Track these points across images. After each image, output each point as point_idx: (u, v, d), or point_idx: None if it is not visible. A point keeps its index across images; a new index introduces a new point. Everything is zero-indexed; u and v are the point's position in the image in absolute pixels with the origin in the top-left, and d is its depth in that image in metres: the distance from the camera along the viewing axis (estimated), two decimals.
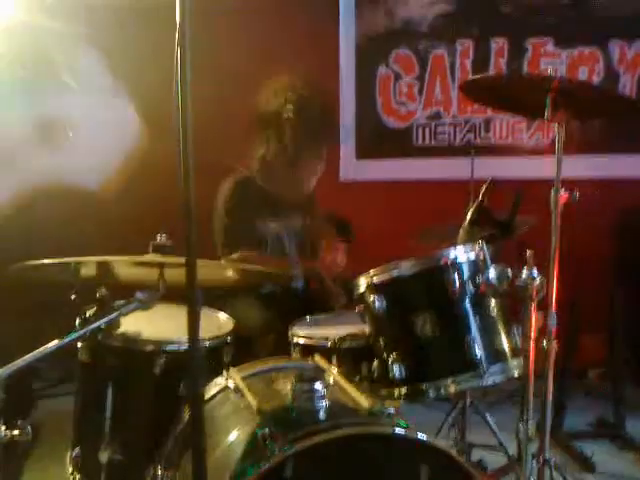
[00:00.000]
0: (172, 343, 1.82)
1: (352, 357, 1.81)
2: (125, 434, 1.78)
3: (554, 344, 1.72)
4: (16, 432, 1.32)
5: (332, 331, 1.93)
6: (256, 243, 2.51)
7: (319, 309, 2.25)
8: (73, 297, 1.76)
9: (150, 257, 1.74)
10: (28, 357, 1.42)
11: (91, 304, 1.72)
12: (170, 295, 1.65)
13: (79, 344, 1.84)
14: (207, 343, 1.85)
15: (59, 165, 0.62)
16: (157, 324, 1.91)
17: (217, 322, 2.06)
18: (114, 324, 1.62)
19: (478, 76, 2.92)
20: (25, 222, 1.55)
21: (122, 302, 1.62)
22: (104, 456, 1.77)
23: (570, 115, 1.78)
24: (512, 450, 2.14)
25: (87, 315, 1.72)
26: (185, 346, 1.25)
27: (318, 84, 2.64)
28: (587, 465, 2.57)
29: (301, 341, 1.96)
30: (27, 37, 2.94)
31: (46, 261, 1.68)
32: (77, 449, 1.89)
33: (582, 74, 3.54)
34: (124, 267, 1.86)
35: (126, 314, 1.61)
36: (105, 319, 1.59)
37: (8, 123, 0.61)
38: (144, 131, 0.73)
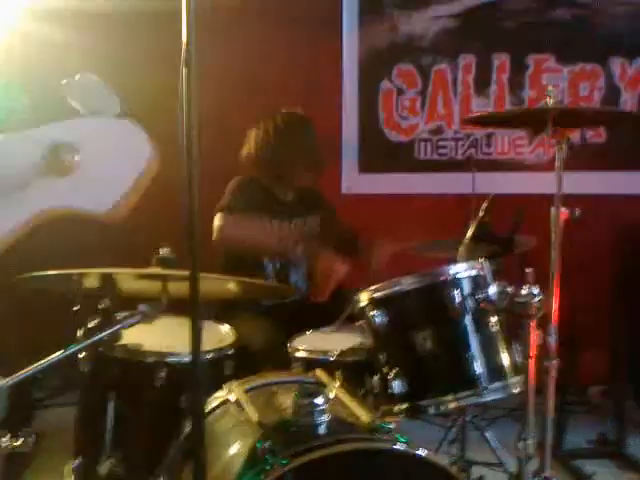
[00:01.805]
0: (174, 355, 1.82)
1: (353, 371, 1.81)
2: (126, 446, 1.78)
3: (554, 361, 1.72)
4: (19, 442, 1.33)
5: (333, 345, 1.94)
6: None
7: (320, 323, 2.25)
8: (75, 309, 1.77)
9: (153, 270, 1.75)
10: (31, 368, 1.43)
11: (93, 316, 1.73)
12: (173, 308, 1.65)
13: (80, 355, 1.85)
14: (209, 355, 1.86)
15: (66, 190, 0.62)
16: (159, 336, 1.92)
17: (218, 334, 2.07)
18: (116, 336, 1.62)
19: (478, 114, 2.97)
20: (31, 246, 1.56)
21: (125, 314, 1.63)
22: (104, 468, 1.77)
23: (570, 131, 1.80)
24: (512, 468, 2.14)
25: (89, 326, 1.73)
26: (187, 358, 1.26)
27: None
28: None
29: (302, 355, 1.96)
30: (31, 59, 2.97)
31: (50, 272, 1.69)
32: (77, 460, 1.89)
33: (583, 90, 3.56)
34: (127, 280, 1.87)
35: (129, 327, 1.62)
36: (107, 331, 1.59)
37: (15, 149, 0.61)
38: (154, 152, 0.74)
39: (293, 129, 2.60)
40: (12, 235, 0.57)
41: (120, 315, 1.63)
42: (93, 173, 0.58)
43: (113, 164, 0.59)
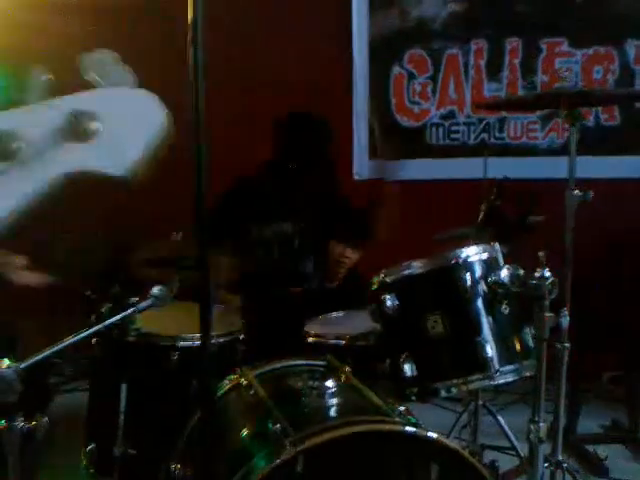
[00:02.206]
0: (186, 339, 1.83)
1: (365, 356, 1.82)
2: (139, 429, 1.80)
3: (567, 345, 1.71)
4: (33, 423, 1.35)
5: (345, 330, 1.94)
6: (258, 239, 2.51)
7: (333, 308, 2.25)
8: (88, 293, 1.79)
9: (165, 254, 1.76)
10: (45, 352, 1.45)
11: (106, 301, 1.75)
12: (184, 293, 1.66)
13: (94, 340, 1.87)
14: (220, 339, 1.87)
15: (86, 154, 0.64)
16: (171, 321, 1.93)
17: (230, 319, 2.08)
18: (129, 320, 1.64)
19: (491, 101, 2.93)
20: (53, 211, 1.56)
21: (137, 299, 1.64)
22: (118, 451, 1.79)
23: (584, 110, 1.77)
24: (525, 452, 2.13)
25: (102, 311, 1.75)
26: (198, 342, 1.27)
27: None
28: (600, 469, 2.54)
29: (314, 339, 1.96)
30: (42, 39, 2.98)
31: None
32: (92, 444, 1.91)
33: (597, 74, 3.51)
34: (140, 264, 1.88)
35: (141, 311, 1.63)
36: (120, 315, 1.61)
37: (39, 117, 0.63)
38: (168, 119, 0.74)
39: (304, 132, 2.54)
40: (34, 198, 0.61)
41: (132, 299, 1.65)
42: (111, 138, 0.62)
43: (130, 130, 0.63)
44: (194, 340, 1.81)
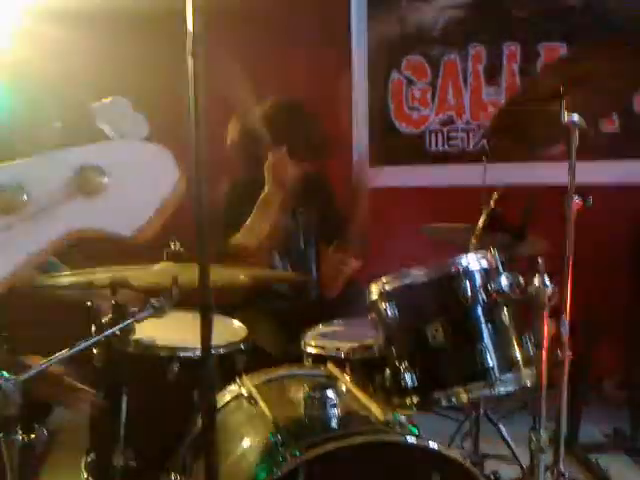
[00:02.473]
0: (186, 350, 1.83)
1: (365, 365, 1.81)
2: (139, 440, 1.80)
3: (567, 353, 1.70)
4: (32, 436, 1.34)
5: (345, 341, 1.93)
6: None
7: (332, 317, 2.25)
8: (89, 303, 1.79)
9: (164, 266, 1.76)
10: (44, 363, 1.44)
11: (106, 311, 1.74)
12: (185, 302, 1.66)
13: (94, 350, 1.86)
14: (220, 350, 1.86)
15: (94, 212, 0.62)
16: (171, 331, 1.93)
17: (230, 329, 2.07)
18: (129, 331, 1.63)
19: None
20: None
21: (136, 309, 1.64)
22: (118, 461, 1.78)
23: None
24: (526, 462, 2.12)
25: (102, 322, 1.74)
26: (199, 353, 1.26)
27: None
28: (602, 478, 2.53)
29: (313, 350, 1.96)
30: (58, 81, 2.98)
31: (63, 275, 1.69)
32: (92, 454, 1.91)
33: None
34: (138, 275, 1.87)
35: (140, 321, 1.63)
36: (120, 325, 1.61)
37: (45, 170, 0.62)
38: (181, 177, 0.73)
39: (280, 116, 2.48)
40: (40, 255, 0.59)
41: (132, 309, 1.65)
42: (120, 196, 0.60)
43: (141, 188, 0.61)
44: (195, 351, 1.80)
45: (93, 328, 1.73)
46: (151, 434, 1.83)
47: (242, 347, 1.94)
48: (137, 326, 1.64)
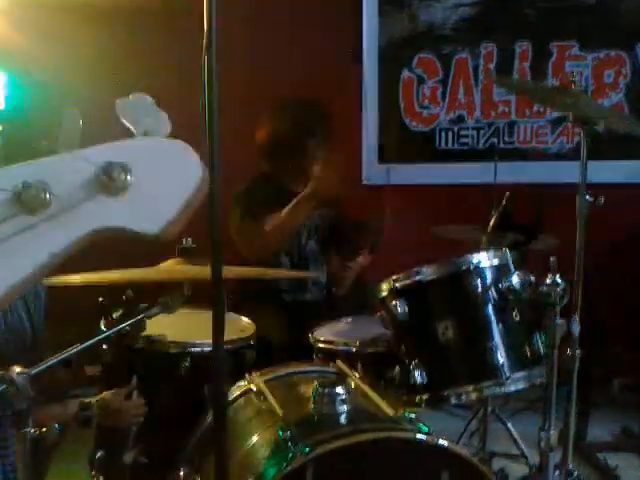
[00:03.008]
0: (196, 345, 1.83)
1: (375, 362, 1.81)
2: (149, 436, 1.79)
3: (578, 352, 1.70)
4: (44, 429, 1.35)
5: (354, 336, 1.93)
6: None
7: (342, 314, 2.25)
8: (101, 299, 1.78)
9: (175, 263, 1.76)
10: (55, 357, 1.45)
11: (118, 306, 1.74)
12: (195, 299, 1.66)
13: (104, 346, 1.84)
14: (230, 346, 1.85)
15: (118, 211, 0.62)
16: (182, 327, 1.92)
17: (240, 325, 2.07)
18: (139, 327, 1.64)
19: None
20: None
21: (147, 305, 1.64)
22: (128, 458, 1.77)
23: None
24: (534, 460, 2.12)
25: (113, 317, 1.74)
26: (209, 349, 1.26)
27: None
28: (611, 477, 2.52)
29: (323, 346, 1.96)
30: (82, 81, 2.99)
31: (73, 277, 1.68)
32: (101, 451, 1.90)
33: (608, 77, 3.49)
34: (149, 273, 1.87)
35: (151, 317, 1.63)
36: (130, 321, 1.61)
37: (69, 169, 0.62)
38: (205, 173, 0.73)
39: (302, 116, 2.55)
40: (63, 255, 0.58)
41: (143, 305, 1.65)
42: (145, 194, 0.59)
43: (165, 185, 0.60)
44: (205, 347, 1.80)
45: (103, 323, 1.74)
46: (161, 430, 1.82)
47: (251, 343, 1.94)
48: (148, 323, 1.64)
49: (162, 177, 0.60)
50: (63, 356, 1.45)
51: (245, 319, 2.13)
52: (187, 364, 1.80)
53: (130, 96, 0.65)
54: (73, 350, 1.47)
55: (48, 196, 0.56)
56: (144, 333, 1.69)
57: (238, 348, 1.90)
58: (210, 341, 1.21)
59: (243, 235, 2.40)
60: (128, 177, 0.59)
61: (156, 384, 1.84)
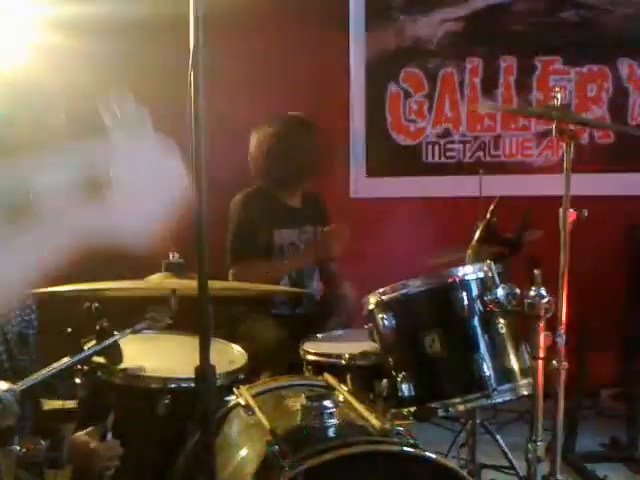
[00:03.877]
0: (178, 380, 1.68)
1: (364, 375, 1.81)
2: (126, 474, 1.63)
3: (564, 363, 1.71)
4: (32, 448, 1.32)
5: (344, 348, 1.94)
6: (268, 252, 2.54)
7: (330, 327, 2.26)
8: (69, 330, 1.54)
9: (161, 278, 1.76)
10: (38, 376, 1.41)
11: (89, 336, 1.57)
12: (179, 324, 1.62)
13: (77, 380, 1.61)
14: (218, 381, 1.63)
15: (104, 212, 0.61)
16: (163, 357, 1.81)
17: (230, 355, 1.93)
18: (116, 357, 1.52)
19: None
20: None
21: (123, 331, 1.55)
22: None
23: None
24: (523, 471, 2.12)
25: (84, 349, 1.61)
26: (192, 384, 1.17)
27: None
28: None
29: (313, 358, 1.96)
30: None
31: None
32: None
33: (591, 91, 3.55)
34: (135, 288, 1.85)
35: (136, 332, 1.61)
36: (113, 339, 1.51)
37: (52, 177, 0.61)
38: (188, 178, 0.73)
39: (296, 132, 2.61)
40: (50, 260, 0.58)
41: (117, 334, 1.54)
42: (129, 193, 0.60)
43: (149, 184, 0.60)
44: (187, 382, 1.62)
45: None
46: (138, 470, 1.67)
47: (241, 377, 1.80)
48: (125, 353, 1.52)
49: (146, 176, 0.60)
50: (45, 374, 1.41)
51: (236, 347, 1.99)
52: (167, 401, 1.65)
53: (110, 92, 0.65)
54: (53, 369, 1.42)
55: (30, 203, 0.57)
56: (119, 366, 1.56)
57: (227, 382, 1.75)
58: (193, 374, 1.13)
59: (240, 276, 2.43)
60: (111, 183, 0.59)
61: (132, 422, 1.67)
